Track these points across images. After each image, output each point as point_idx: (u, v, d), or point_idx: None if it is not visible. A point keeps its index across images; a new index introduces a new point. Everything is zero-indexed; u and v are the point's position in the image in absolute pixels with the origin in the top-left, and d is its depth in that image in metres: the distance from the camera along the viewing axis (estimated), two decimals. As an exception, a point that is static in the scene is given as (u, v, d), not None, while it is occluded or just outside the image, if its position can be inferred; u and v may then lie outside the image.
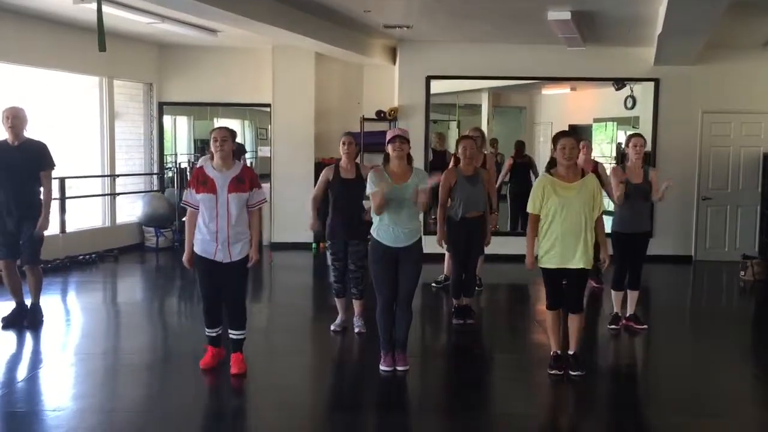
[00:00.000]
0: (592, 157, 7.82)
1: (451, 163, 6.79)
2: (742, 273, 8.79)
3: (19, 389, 4.85)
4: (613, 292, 6.33)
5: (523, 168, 10.59)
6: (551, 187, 4.90)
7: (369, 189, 4.96)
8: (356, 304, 6.12)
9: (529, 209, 5.00)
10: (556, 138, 4.98)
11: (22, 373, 5.17)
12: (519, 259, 8.88)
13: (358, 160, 6.03)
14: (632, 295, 6.30)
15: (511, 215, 10.77)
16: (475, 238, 6.39)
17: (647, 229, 6.34)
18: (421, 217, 5.39)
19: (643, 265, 6.29)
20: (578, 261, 4.91)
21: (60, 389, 4.91)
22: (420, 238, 5.11)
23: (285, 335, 6.33)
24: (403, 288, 5.07)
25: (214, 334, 5.14)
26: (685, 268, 9.71)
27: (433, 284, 7.82)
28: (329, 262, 6.13)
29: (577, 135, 5.25)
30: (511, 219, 10.77)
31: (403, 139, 4.96)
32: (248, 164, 11.99)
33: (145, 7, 7.31)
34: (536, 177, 10.88)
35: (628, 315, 6.34)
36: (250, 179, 4.89)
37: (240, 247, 4.87)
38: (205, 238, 4.83)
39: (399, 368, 5.07)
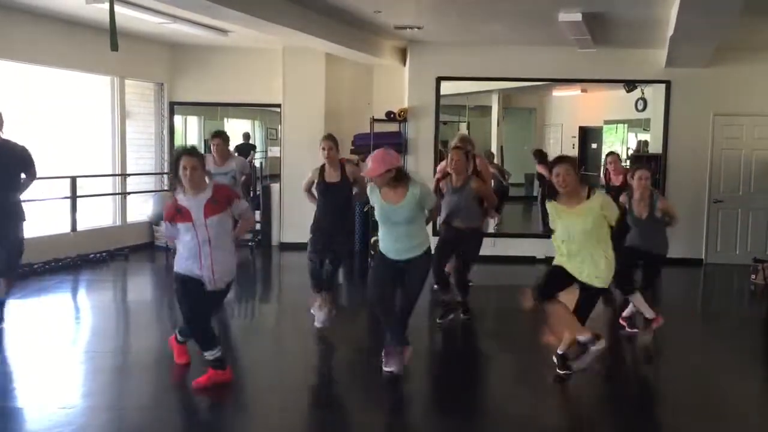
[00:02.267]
0: (623, 165, 7.74)
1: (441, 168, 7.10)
2: (753, 276, 8.73)
3: (29, 386, 4.88)
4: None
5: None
6: (556, 213, 4.83)
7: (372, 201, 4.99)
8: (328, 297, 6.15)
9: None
10: (552, 165, 4.81)
11: (32, 369, 5.19)
12: (529, 261, 8.84)
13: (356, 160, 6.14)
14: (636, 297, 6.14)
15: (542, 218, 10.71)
16: (468, 249, 6.41)
17: (661, 252, 6.18)
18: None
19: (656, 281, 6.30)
20: (589, 278, 4.76)
21: (70, 387, 4.93)
22: (427, 251, 4.98)
23: (292, 335, 6.33)
24: (403, 300, 5.00)
25: (219, 354, 4.76)
26: (696, 271, 9.66)
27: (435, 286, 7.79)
28: (308, 256, 6.11)
29: (573, 159, 5.12)
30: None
31: (373, 179, 4.81)
32: (256, 164, 12.12)
33: (156, 7, 7.34)
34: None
35: (623, 315, 6.31)
36: (226, 197, 4.68)
37: (226, 275, 4.71)
38: (188, 258, 4.63)
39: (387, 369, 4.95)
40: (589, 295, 4.86)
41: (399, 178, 4.81)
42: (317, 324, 6.10)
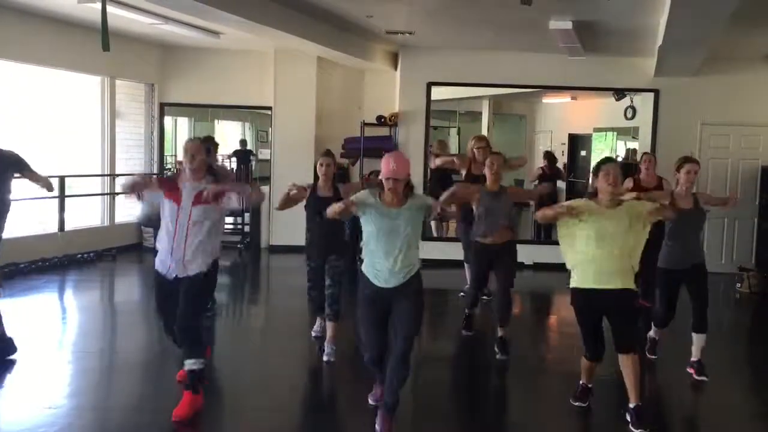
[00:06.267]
0: (656, 172, 7.40)
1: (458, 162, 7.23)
2: (739, 285, 8.80)
3: (14, 386, 4.86)
4: (654, 328, 5.76)
5: (551, 179, 10.88)
6: (588, 211, 4.45)
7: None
8: (329, 327, 5.53)
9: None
10: (599, 165, 4.56)
11: (18, 370, 5.16)
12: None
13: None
14: (698, 339, 5.47)
15: (535, 224, 10.75)
16: (500, 267, 5.92)
17: (699, 261, 5.59)
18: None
19: (708, 303, 5.52)
20: (616, 282, 4.44)
21: (56, 386, 4.91)
22: (417, 274, 4.17)
23: (280, 337, 6.33)
24: (399, 336, 4.06)
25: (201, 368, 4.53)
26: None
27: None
28: (308, 292, 5.85)
29: (620, 163, 5.00)
30: (535, 228, 10.79)
31: (396, 182, 4.02)
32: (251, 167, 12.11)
33: (148, 8, 7.33)
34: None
35: (691, 360, 5.49)
36: (216, 193, 4.56)
37: (198, 263, 4.51)
38: (161, 252, 4.55)
39: None
40: (617, 302, 4.47)
41: (406, 188, 4.16)
42: (314, 333, 6.03)
